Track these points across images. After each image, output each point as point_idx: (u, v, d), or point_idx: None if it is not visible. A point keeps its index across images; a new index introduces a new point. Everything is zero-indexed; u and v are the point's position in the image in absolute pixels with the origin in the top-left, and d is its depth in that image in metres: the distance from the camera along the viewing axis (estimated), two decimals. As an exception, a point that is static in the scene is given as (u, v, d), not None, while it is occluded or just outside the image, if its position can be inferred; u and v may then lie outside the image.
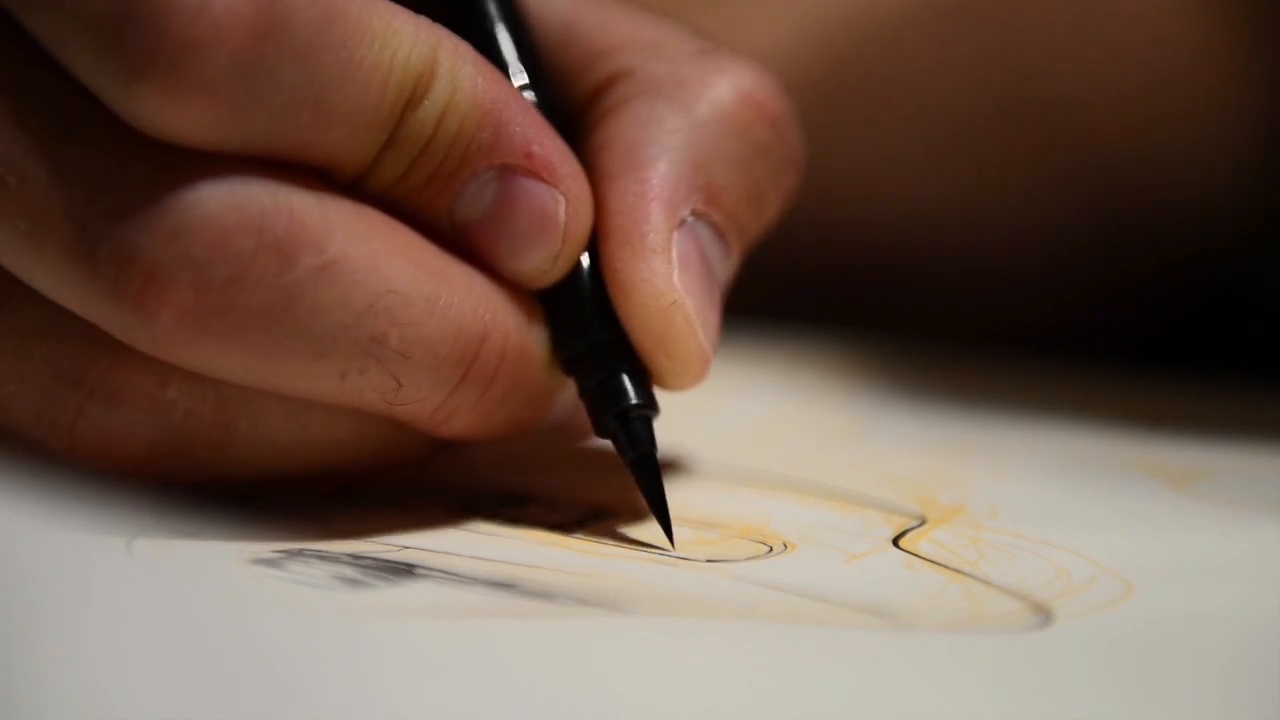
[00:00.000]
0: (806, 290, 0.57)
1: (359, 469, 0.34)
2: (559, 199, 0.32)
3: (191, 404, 0.31)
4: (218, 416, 0.31)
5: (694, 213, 0.33)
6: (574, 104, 0.35)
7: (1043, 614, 0.30)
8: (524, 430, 0.34)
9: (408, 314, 0.31)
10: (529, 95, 0.33)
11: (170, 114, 0.29)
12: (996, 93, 0.57)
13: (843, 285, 0.58)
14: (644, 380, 0.33)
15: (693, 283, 0.33)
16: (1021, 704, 0.26)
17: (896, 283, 0.58)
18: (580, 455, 0.38)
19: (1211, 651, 0.28)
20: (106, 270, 0.29)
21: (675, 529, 0.33)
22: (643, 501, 0.34)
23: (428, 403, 0.32)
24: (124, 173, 0.30)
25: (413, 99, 0.31)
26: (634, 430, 0.33)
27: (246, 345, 0.30)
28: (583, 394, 0.33)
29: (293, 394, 0.31)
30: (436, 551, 0.32)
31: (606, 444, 0.34)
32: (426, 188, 0.32)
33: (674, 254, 0.33)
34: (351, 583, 0.30)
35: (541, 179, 0.32)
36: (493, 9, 0.34)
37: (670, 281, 0.33)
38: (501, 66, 0.33)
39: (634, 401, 0.33)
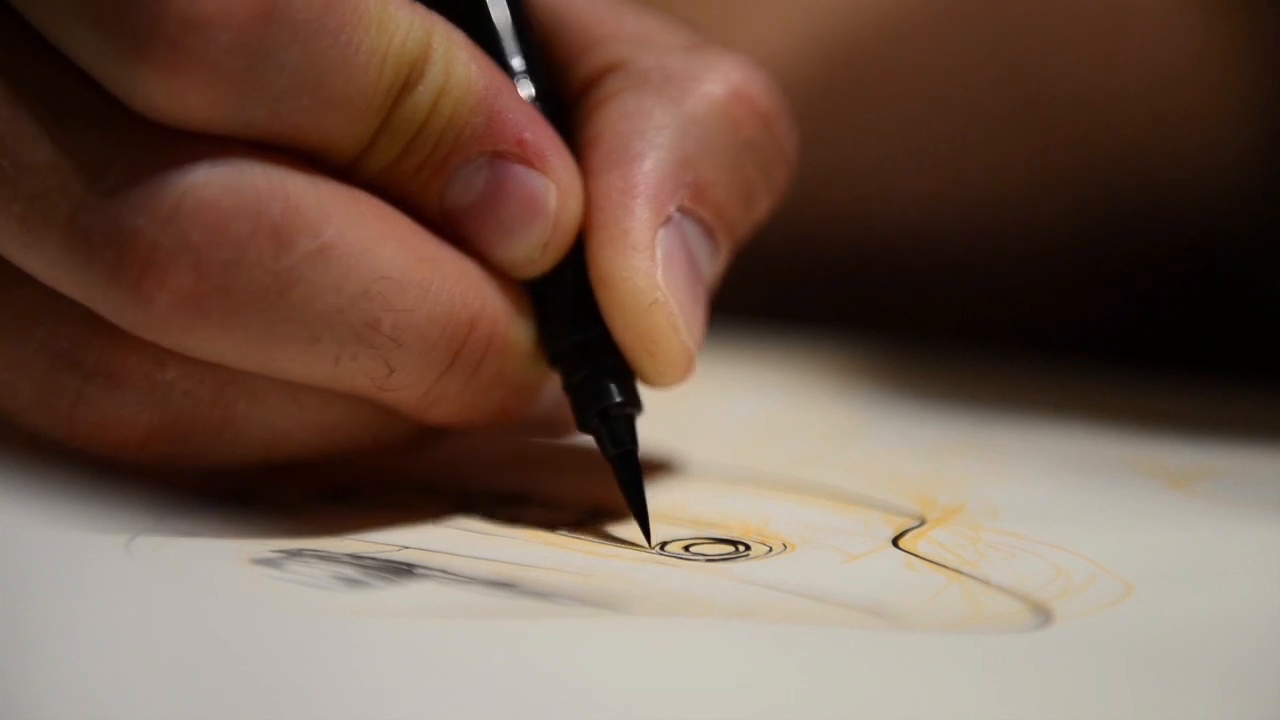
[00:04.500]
0: (807, 289, 0.57)
1: (352, 453, 0.34)
2: (550, 187, 0.32)
3: (190, 385, 0.31)
4: (216, 398, 0.31)
5: (680, 209, 0.33)
6: (566, 96, 0.35)
7: (1042, 614, 0.30)
8: (508, 421, 0.34)
9: (401, 300, 0.31)
10: (527, 84, 0.33)
11: (171, 94, 0.29)
12: (998, 89, 0.57)
13: (844, 283, 0.58)
14: (628, 378, 0.33)
15: (677, 281, 0.33)
16: (1021, 704, 0.26)
17: (897, 280, 0.58)
18: (580, 455, 0.38)
19: (1211, 652, 0.28)
20: (104, 254, 0.29)
21: (674, 529, 0.33)
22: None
23: (415, 388, 0.32)
24: (120, 155, 0.29)
25: (407, 84, 0.31)
26: (615, 429, 0.33)
27: (243, 329, 0.30)
28: (566, 389, 0.33)
29: (287, 378, 0.31)
30: (436, 551, 0.32)
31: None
32: (418, 173, 0.32)
33: (658, 252, 0.33)
34: (351, 583, 0.30)
35: (533, 166, 0.32)
36: None
37: (653, 280, 0.33)
38: (500, 55, 0.33)
39: (616, 400, 0.33)
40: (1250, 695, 0.27)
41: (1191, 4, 0.55)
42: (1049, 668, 0.28)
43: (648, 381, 0.34)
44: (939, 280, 0.58)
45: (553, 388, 0.34)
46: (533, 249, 0.33)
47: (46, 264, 0.30)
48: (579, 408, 0.33)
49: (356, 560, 0.31)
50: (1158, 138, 0.56)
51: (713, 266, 0.34)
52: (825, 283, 0.57)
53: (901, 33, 0.57)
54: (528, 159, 0.32)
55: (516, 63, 0.33)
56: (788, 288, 0.56)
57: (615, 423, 0.33)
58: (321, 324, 0.31)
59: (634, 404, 0.33)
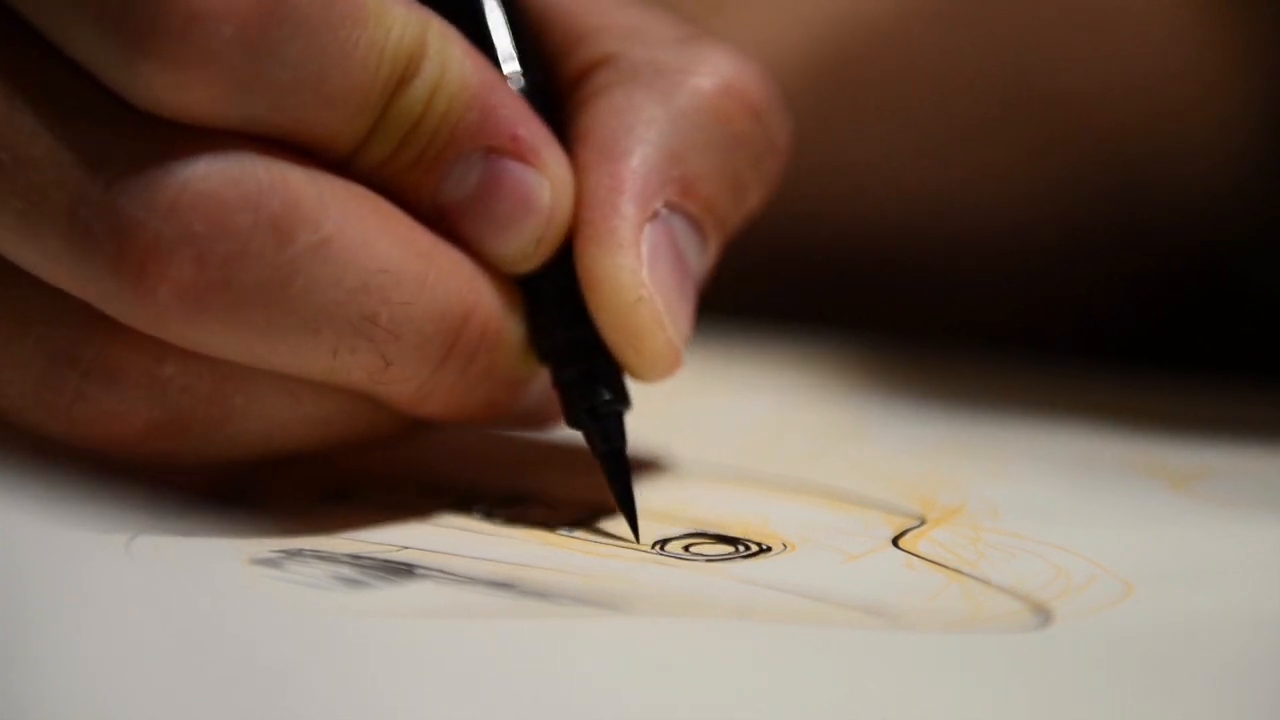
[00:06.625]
0: (806, 288, 0.57)
1: (347, 446, 0.34)
2: (544, 183, 0.32)
3: (188, 381, 0.31)
4: (214, 393, 0.31)
5: (668, 205, 0.33)
6: (558, 88, 0.35)
7: (1042, 614, 0.30)
8: (496, 415, 0.34)
9: (399, 293, 0.31)
10: (519, 78, 0.33)
11: (175, 89, 0.29)
12: (997, 89, 0.57)
13: (843, 282, 0.58)
14: (617, 374, 0.33)
15: (663, 277, 0.33)
16: (1021, 704, 0.26)
17: (896, 279, 0.58)
18: (580, 455, 0.38)
19: (1211, 652, 0.28)
20: (105, 246, 0.29)
21: (674, 529, 0.33)
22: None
23: (411, 382, 0.32)
24: (120, 148, 0.29)
25: (403, 79, 0.31)
26: (605, 426, 0.33)
27: (244, 322, 0.30)
28: (556, 386, 0.33)
29: (286, 372, 0.31)
30: (436, 551, 0.32)
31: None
32: (413, 168, 0.32)
33: (643, 249, 0.33)
34: (351, 583, 0.30)
35: (527, 162, 0.32)
36: None
37: (638, 277, 0.33)
38: (491, 46, 0.33)
39: (605, 398, 0.33)
40: (1250, 695, 0.27)
41: (1189, 2, 0.55)
42: (1049, 668, 0.28)
43: (635, 376, 0.34)
44: (938, 280, 0.58)
45: (539, 381, 0.34)
46: (526, 245, 0.33)
47: (46, 258, 0.30)
48: (568, 404, 0.33)
49: (356, 560, 0.31)
50: (1156, 136, 0.56)
51: (702, 260, 0.34)
52: (824, 282, 0.57)
53: (897, 31, 0.57)
54: (521, 155, 0.32)
55: (508, 54, 0.33)
56: (786, 287, 0.56)
57: (605, 420, 0.33)
58: (321, 317, 0.31)
59: (623, 401, 0.33)
